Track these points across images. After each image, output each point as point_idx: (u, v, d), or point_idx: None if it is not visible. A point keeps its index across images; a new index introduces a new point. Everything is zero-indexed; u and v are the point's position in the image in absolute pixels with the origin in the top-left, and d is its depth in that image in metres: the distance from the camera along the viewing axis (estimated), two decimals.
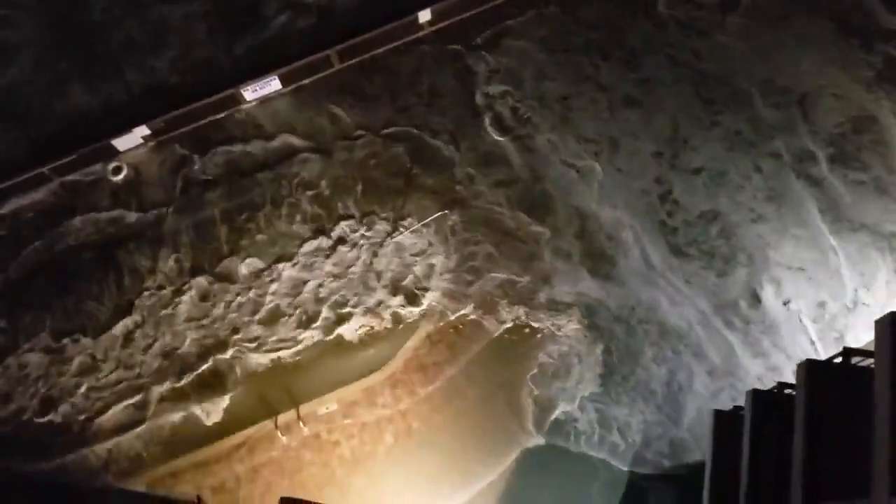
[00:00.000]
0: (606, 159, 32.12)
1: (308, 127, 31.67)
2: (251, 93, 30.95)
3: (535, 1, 32.21)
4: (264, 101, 31.46)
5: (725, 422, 26.61)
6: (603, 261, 32.18)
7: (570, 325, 32.27)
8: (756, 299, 31.97)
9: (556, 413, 32.28)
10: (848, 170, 32.03)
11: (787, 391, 24.51)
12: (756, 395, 24.68)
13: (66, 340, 30.04)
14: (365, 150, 31.71)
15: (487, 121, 32.05)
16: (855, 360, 21.91)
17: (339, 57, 31.40)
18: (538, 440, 32.12)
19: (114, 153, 30.92)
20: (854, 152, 32.02)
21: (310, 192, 31.38)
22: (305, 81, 31.67)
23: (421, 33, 32.11)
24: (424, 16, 31.49)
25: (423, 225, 31.52)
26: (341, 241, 31.38)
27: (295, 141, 31.56)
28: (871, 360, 20.59)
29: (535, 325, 32.18)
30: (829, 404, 21.01)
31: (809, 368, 21.74)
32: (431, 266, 31.70)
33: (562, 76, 32.19)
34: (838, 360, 22.07)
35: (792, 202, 32.13)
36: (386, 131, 31.85)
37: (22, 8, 30.94)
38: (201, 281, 30.73)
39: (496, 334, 32.10)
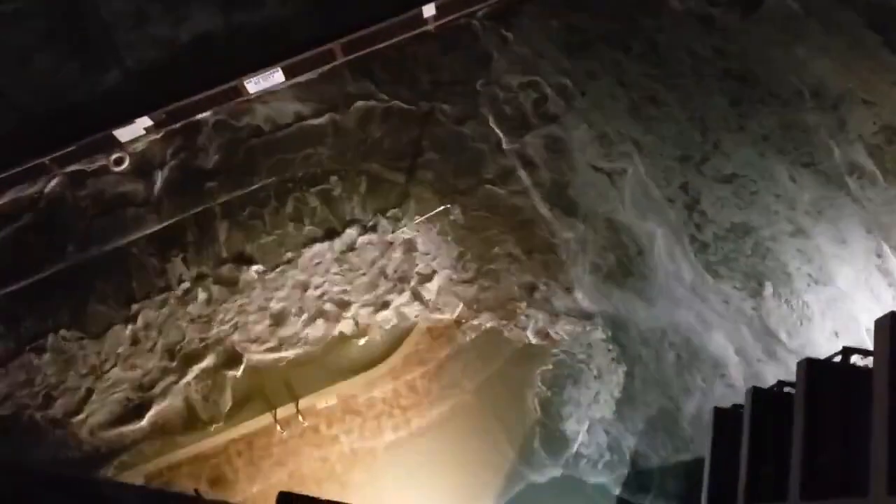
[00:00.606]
0: (630, 163, 31.47)
1: (317, 112, 31.92)
2: (254, 85, 30.95)
3: None
4: (268, 93, 31.56)
5: (725, 419, 26.43)
6: (631, 276, 30.66)
7: (594, 335, 30.44)
8: (798, 324, 29.77)
9: (563, 425, 30.24)
10: (889, 185, 30.63)
11: (787, 389, 24.38)
12: (755, 393, 24.54)
13: (67, 339, 30.06)
14: (376, 135, 31.80)
15: (492, 116, 32.05)
16: (854, 358, 21.79)
17: (342, 50, 31.39)
18: (545, 460, 30.23)
19: (116, 144, 30.97)
20: (892, 166, 30.74)
21: (315, 188, 31.34)
22: (308, 75, 31.70)
23: (425, 28, 32.12)
24: (429, 10, 31.48)
25: (428, 219, 31.32)
26: (348, 238, 31.21)
27: (303, 125, 31.78)
28: (870, 360, 20.48)
29: (552, 330, 30.76)
30: (828, 403, 20.88)
31: (808, 367, 21.58)
32: (441, 265, 31.29)
33: (577, 71, 32.12)
34: (837, 358, 21.96)
35: (832, 217, 30.48)
36: (396, 112, 31.95)
37: None
38: (204, 279, 30.70)
39: (519, 346, 30.71)
